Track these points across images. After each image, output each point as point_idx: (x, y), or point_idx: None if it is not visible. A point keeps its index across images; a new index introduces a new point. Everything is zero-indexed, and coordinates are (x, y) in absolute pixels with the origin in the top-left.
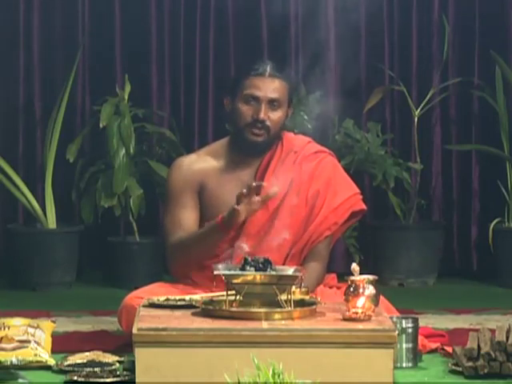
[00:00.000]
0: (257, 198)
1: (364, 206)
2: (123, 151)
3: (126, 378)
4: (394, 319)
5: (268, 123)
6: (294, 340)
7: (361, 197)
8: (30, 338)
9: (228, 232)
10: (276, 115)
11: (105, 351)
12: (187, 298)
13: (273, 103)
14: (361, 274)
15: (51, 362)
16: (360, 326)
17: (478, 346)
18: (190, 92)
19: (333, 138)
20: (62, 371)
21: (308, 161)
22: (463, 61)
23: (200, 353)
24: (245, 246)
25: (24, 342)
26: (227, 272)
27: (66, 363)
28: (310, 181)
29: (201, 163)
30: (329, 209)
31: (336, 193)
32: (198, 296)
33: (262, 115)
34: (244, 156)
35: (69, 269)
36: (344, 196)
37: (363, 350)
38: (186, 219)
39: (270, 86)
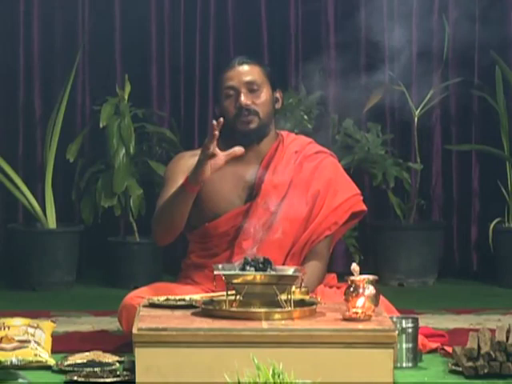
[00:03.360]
0: (221, 153)
1: (364, 207)
2: (123, 151)
3: (126, 378)
4: (394, 319)
5: (254, 107)
6: (294, 340)
7: (361, 198)
8: (30, 337)
9: (193, 190)
10: (260, 98)
11: (105, 351)
12: (187, 297)
13: (252, 87)
14: (361, 274)
15: (51, 362)
16: (360, 325)
17: (478, 345)
18: (190, 92)
19: (333, 137)
20: (62, 371)
21: (309, 161)
22: (463, 61)
23: (200, 353)
24: (244, 245)
25: (24, 342)
26: (227, 272)
27: (66, 363)
28: (310, 181)
29: None
30: (329, 209)
31: (336, 193)
32: (198, 296)
33: (243, 100)
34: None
35: (69, 269)
36: (344, 196)
37: (363, 350)
38: None
39: (242, 72)
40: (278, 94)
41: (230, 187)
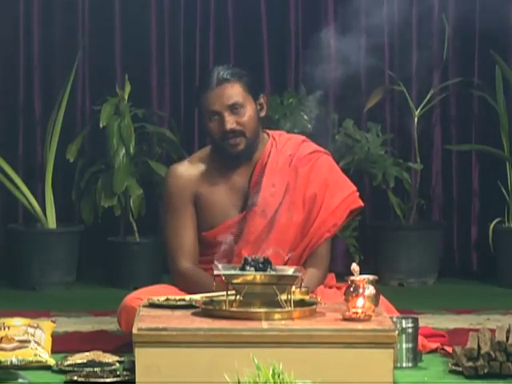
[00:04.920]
0: None
1: (361, 203)
2: (123, 151)
3: (126, 378)
4: (394, 319)
5: (239, 128)
6: (294, 340)
7: (357, 194)
8: (30, 337)
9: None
10: (244, 117)
11: (105, 351)
12: (187, 298)
13: (234, 108)
14: (361, 274)
15: (51, 362)
16: (360, 326)
17: (478, 345)
18: (190, 92)
19: (333, 137)
20: (62, 371)
21: (303, 164)
22: (463, 61)
23: (200, 353)
24: (243, 253)
25: (24, 342)
26: (227, 272)
27: (66, 363)
28: (306, 184)
29: (194, 170)
30: (327, 211)
31: (333, 194)
32: (198, 296)
33: (227, 126)
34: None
35: (69, 269)
36: (341, 197)
37: (363, 350)
38: (188, 243)
39: (222, 95)
40: (261, 100)
41: (226, 198)
